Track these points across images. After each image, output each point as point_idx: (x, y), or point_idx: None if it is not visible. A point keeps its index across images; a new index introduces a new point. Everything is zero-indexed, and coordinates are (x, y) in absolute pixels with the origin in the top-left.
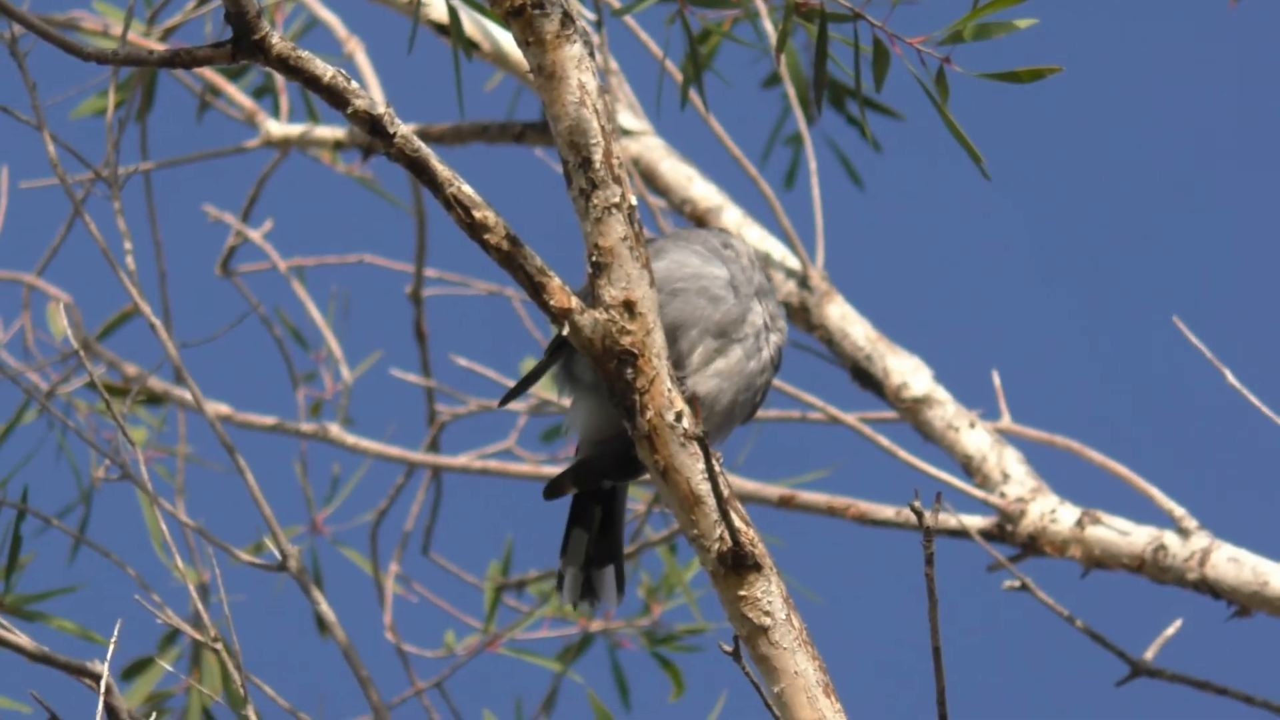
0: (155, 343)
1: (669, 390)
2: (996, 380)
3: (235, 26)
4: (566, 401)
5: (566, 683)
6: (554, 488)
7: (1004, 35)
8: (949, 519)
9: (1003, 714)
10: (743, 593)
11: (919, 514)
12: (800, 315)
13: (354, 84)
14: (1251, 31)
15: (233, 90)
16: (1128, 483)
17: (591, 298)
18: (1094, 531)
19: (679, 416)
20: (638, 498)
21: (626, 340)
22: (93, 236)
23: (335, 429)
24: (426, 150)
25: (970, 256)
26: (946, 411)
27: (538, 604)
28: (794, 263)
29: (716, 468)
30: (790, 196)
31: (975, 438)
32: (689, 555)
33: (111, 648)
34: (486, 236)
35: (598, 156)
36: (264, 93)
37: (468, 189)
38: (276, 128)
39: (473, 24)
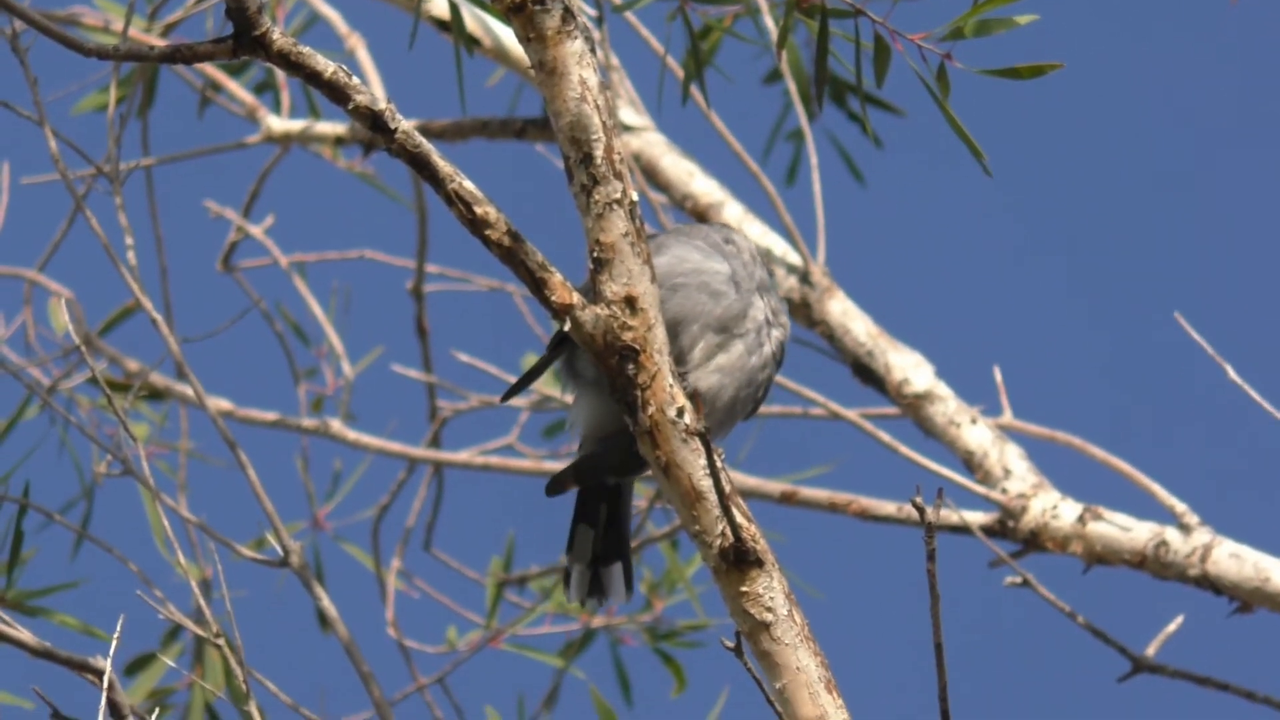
0: (157, 338)
1: (671, 386)
2: (998, 376)
3: (236, 22)
4: (568, 397)
5: (568, 679)
6: (556, 484)
7: (1005, 31)
8: (950, 515)
9: (1004, 710)
10: (744, 588)
11: (920, 510)
12: (801, 311)
13: (355, 80)
14: (1252, 27)
15: (234, 86)
16: (1129, 479)
17: (593, 293)
18: (1095, 527)
19: (681, 412)
20: (640, 494)
21: (628, 336)
22: (94, 232)
23: (337, 424)
24: (428, 146)
25: (971, 252)
26: (948, 407)
27: (539, 600)
28: (795, 258)
29: (718, 463)
30: (791, 192)
31: (977, 433)
32: (690, 551)
33: (114, 643)
34: (488, 232)
35: (599, 152)
36: (265, 88)
37: (469, 184)
38: (277, 123)
39: (474, 20)
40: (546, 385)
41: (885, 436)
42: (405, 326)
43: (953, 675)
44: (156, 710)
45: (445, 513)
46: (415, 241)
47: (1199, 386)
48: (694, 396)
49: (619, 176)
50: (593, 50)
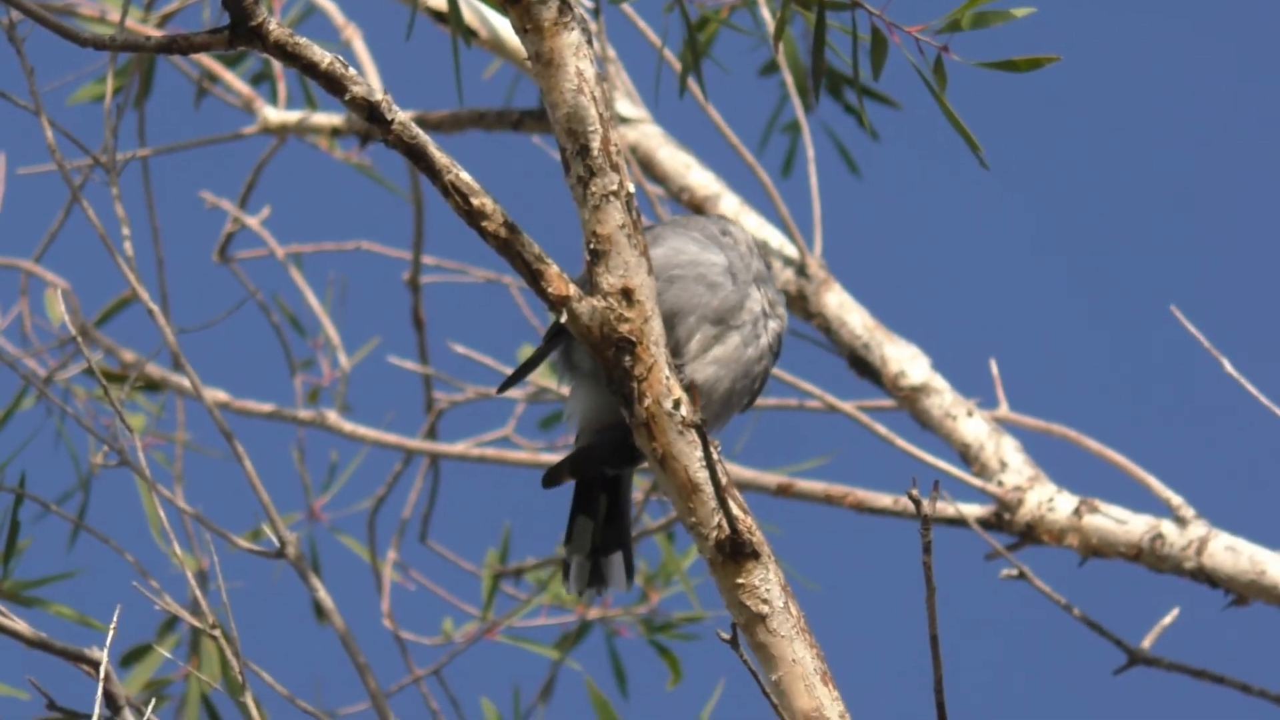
0: (153, 329)
1: (667, 378)
2: (994, 369)
3: (233, 12)
4: (565, 389)
5: (564, 670)
6: (552, 476)
7: (1002, 24)
8: (946, 507)
9: (1000, 702)
10: (740, 580)
11: (917, 502)
12: (798, 303)
13: (351, 70)
14: (1250, 21)
15: (230, 77)
16: (1125, 471)
17: (589, 285)
18: (1091, 520)
19: (677, 404)
20: (636, 486)
21: (624, 327)
22: (90, 222)
23: (333, 416)
24: (424, 137)
25: (968, 245)
26: (944, 400)
27: (535, 591)
28: (791, 251)
29: (714, 455)
30: (788, 185)
31: (973, 426)
32: (687, 543)
33: (110, 634)
34: (484, 223)
35: (595, 144)
36: (262, 79)
37: (465, 176)
38: (274, 114)
39: (471, 11)
40: (543, 377)
41: (881, 429)
42: (402, 318)
43: (948, 667)
44: (153, 701)
45: (441, 504)
46: (412, 233)
47: (1195, 380)
48: (690, 388)
49: (616, 168)
50: (590, 42)
